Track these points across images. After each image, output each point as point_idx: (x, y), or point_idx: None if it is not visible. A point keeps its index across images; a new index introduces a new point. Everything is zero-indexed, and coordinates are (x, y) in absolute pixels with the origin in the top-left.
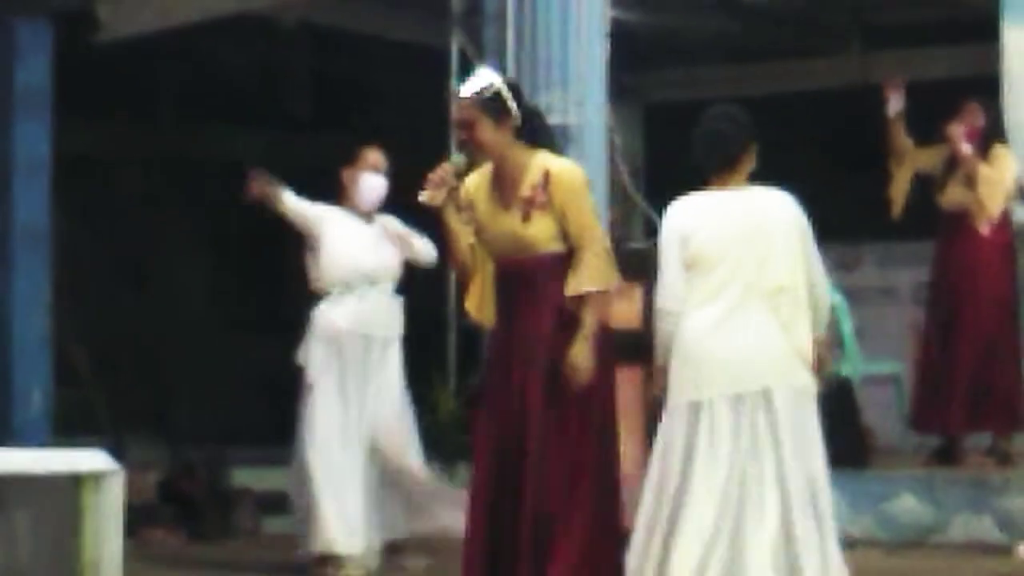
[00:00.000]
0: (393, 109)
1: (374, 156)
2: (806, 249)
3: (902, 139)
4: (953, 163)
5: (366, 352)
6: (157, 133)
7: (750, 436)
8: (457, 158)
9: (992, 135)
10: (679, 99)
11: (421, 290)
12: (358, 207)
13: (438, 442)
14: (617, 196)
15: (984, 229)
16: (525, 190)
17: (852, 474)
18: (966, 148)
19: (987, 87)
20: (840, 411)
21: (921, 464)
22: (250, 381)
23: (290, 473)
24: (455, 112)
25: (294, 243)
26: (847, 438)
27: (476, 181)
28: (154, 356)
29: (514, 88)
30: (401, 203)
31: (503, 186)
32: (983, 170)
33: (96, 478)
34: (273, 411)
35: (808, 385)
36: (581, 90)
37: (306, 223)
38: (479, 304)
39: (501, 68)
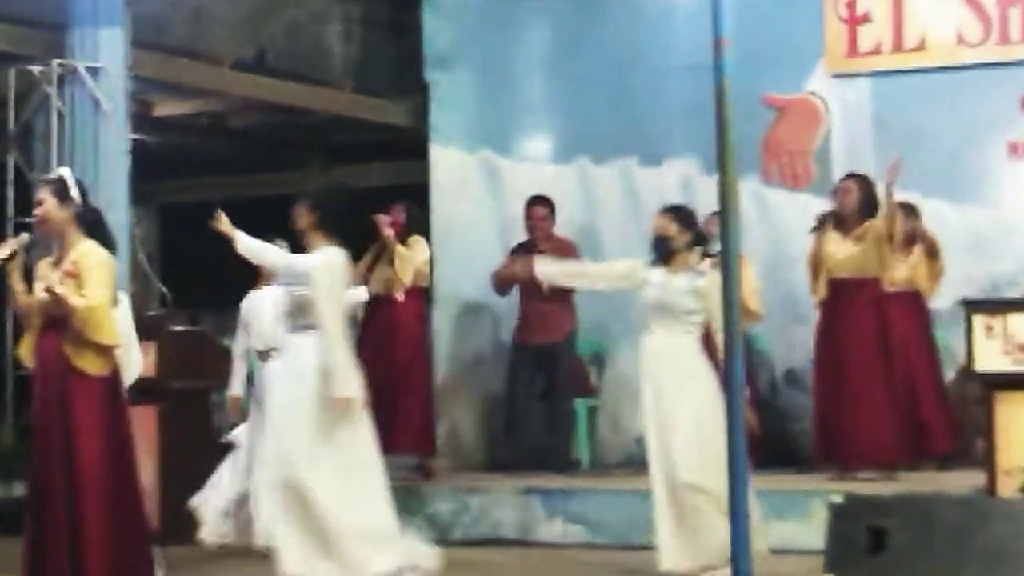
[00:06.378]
0: None
1: None
2: None
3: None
4: (382, 250)
5: None
6: None
7: None
8: (25, 237)
9: (411, 228)
10: (186, 201)
11: None
12: None
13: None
14: (138, 276)
15: (400, 296)
16: (67, 264)
17: None
18: (388, 232)
19: (420, 192)
20: None
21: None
22: None
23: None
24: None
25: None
26: None
27: (48, 260)
28: None
29: (80, 185)
30: None
31: (59, 260)
32: (399, 249)
33: None
34: None
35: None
36: (109, 195)
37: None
38: (29, 351)
39: None
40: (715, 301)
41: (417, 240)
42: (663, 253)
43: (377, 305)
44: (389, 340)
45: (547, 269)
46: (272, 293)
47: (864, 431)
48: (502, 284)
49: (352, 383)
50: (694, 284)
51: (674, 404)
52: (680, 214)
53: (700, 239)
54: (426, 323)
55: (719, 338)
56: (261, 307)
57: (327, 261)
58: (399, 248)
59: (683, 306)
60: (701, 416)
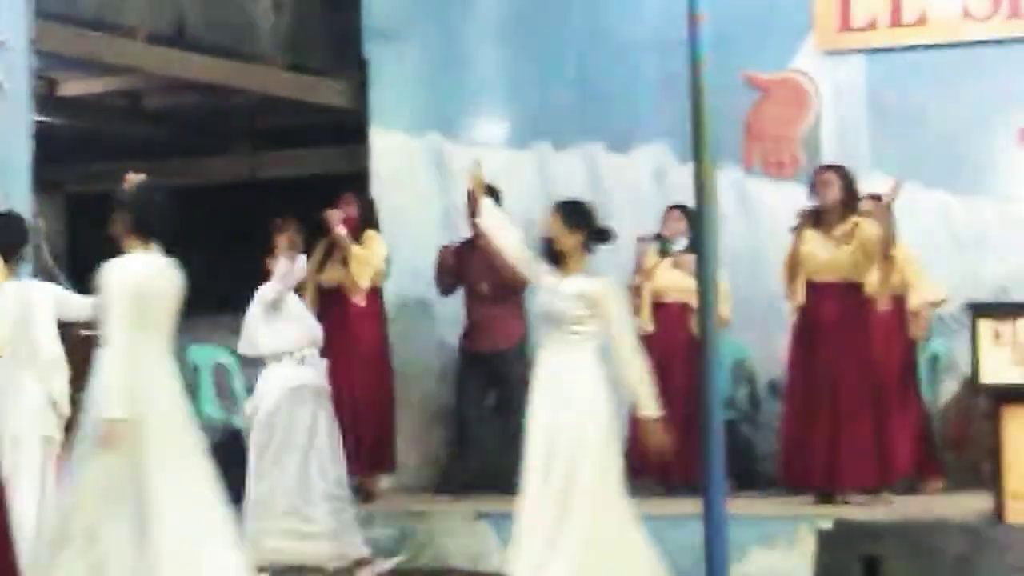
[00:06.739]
0: None
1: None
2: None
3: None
4: (332, 246)
5: None
6: None
7: None
8: None
9: (364, 222)
10: (97, 191)
11: None
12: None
13: None
14: (42, 272)
15: (359, 300)
16: None
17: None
18: (340, 230)
19: (358, 182)
20: (231, 458)
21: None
22: None
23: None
24: None
25: None
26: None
27: None
28: None
29: None
30: None
31: None
32: (355, 250)
33: None
34: None
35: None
36: (9, 184)
37: None
38: None
39: None
40: (612, 310)
41: (371, 236)
42: (551, 256)
43: (331, 309)
44: (346, 348)
45: (489, 211)
46: (262, 292)
47: (843, 452)
48: (443, 267)
49: (118, 406)
50: (581, 289)
51: (556, 431)
52: (569, 211)
53: (597, 237)
54: (385, 326)
55: (621, 350)
56: (250, 309)
57: (123, 267)
58: (354, 249)
59: (569, 314)
60: (585, 448)
